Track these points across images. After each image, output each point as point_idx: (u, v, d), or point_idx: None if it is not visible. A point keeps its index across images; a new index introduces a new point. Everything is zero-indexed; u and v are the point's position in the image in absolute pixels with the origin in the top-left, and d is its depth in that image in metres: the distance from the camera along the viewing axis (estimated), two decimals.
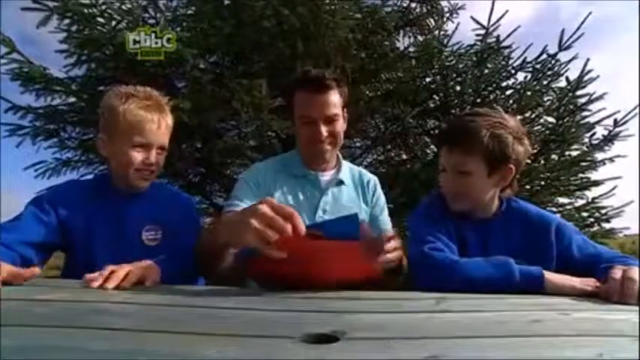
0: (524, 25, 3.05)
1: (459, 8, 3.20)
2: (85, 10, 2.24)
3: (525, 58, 2.73)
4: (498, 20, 2.63)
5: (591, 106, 2.71)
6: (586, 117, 2.74)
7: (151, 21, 2.61)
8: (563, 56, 2.68)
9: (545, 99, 2.77)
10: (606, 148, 2.77)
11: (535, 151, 2.64)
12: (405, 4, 3.11)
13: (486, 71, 2.77)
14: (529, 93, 2.70)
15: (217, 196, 3.23)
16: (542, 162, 2.73)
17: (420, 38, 3.22)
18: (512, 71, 2.79)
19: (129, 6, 2.41)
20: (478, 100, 2.76)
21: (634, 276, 0.63)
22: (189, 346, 0.39)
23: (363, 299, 0.63)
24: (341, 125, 1.06)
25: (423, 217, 0.90)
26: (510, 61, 2.79)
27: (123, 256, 0.73)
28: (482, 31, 2.67)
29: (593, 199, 2.82)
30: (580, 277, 0.70)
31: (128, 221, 0.95)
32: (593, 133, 2.75)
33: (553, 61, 2.68)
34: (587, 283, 0.68)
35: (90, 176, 2.58)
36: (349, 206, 1.07)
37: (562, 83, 2.73)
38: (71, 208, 0.92)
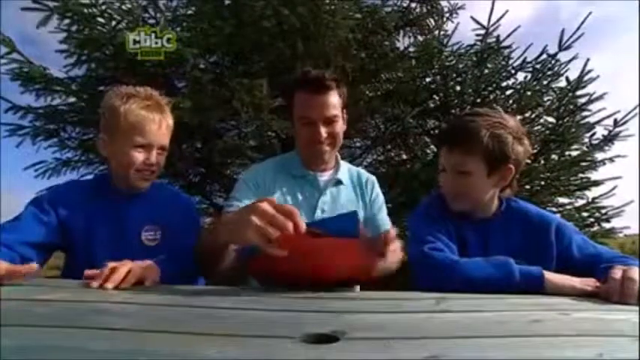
0: (524, 25, 3.05)
1: (459, 8, 3.21)
2: (85, 10, 2.24)
3: (525, 58, 2.74)
4: (498, 20, 2.63)
5: (591, 106, 2.73)
6: (586, 117, 2.75)
7: (151, 21, 2.61)
8: (563, 56, 2.69)
9: (545, 99, 2.78)
10: (606, 148, 2.77)
11: (535, 151, 2.64)
12: (405, 4, 3.11)
13: (486, 71, 2.77)
14: (529, 93, 2.71)
15: (217, 196, 3.23)
16: (542, 162, 2.73)
17: (420, 38, 3.23)
18: (512, 71, 2.79)
19: (129, 6, 2.41)
20: (478, 100, 2.76)
21: (634, 276, 0.63)
22: (189, 346, 0.39)
23: (363, 299, 0.63)
24: (340, 126, 1.06)
25: (423, 217, 0.90)
26: (510, 61, 2.79)
27: (123, 256, 0.73)
28: (482, 31, 2.67)
29: (593, 199, 2.82)
30: (580, 277, 0.70)
31: (128, 221, 0.95)
32: (593, 133, 2.76)
33: (553, 61, 2.68)
34: (587, 283, 0.68)
35: (90, 176, 2.59)
36: (347, 206, 1.07)
37: (562, 83, 2.74)
38: (71, 208, 0.92)
